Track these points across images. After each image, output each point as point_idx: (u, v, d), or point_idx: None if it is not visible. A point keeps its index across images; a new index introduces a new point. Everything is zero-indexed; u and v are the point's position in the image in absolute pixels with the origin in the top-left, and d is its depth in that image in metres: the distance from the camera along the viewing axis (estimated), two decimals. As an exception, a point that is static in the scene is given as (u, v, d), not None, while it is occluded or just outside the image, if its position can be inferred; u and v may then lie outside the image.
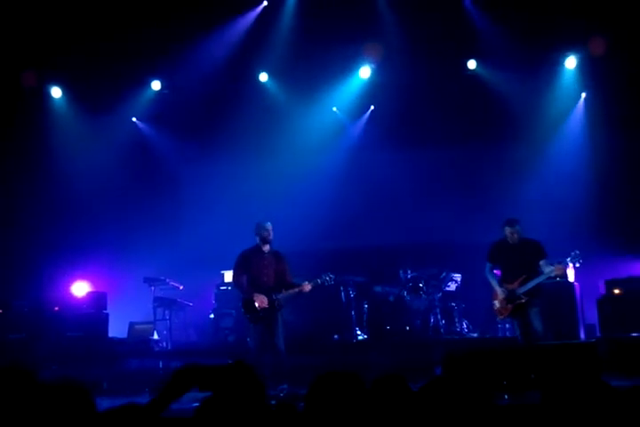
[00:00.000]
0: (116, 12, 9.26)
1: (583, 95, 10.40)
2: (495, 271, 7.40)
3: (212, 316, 9.75)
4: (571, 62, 10.03)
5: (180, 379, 2.65)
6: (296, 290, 7.14)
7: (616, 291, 8.53)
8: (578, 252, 6.94)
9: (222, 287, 9.91)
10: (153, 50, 9.67)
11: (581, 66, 10.01)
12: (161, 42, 9.49)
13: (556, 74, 10.25)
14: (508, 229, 7.10)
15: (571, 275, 8.78)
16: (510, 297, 6.98)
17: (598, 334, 8.44)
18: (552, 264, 6.94)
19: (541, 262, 6.98)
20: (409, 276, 9.69)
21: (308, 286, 7.12)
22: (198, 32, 9.68)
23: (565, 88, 10.31)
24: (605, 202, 9.59)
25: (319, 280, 7.26)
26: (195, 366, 2.66)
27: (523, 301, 6.92)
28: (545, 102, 10.23)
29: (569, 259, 6.96)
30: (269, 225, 7.23)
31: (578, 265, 7.08)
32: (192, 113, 10.58)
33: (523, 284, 6.94)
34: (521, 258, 7.05)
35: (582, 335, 8.52)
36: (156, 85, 10.58)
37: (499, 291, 7.07)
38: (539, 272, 6.98)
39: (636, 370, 7.05)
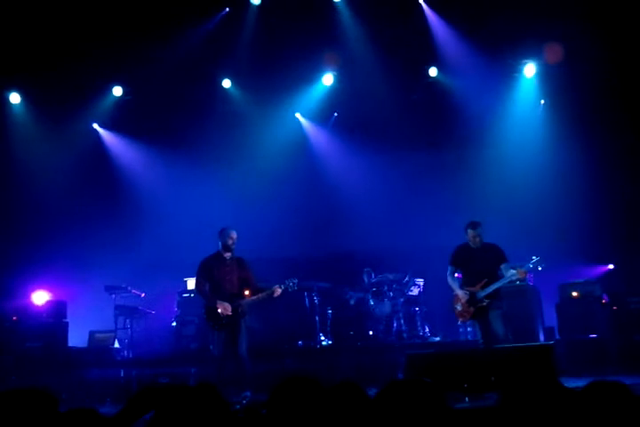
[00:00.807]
0: (77, 16, 9.16)
1: (542, 102, 10.63)
2: (457, 275, 7.48)
3: (174, 324, 9.66)
4: (530, 70, 10.24)
5: (139, 401, 2.64)
6: (265, 294, 7.10)
7: (574, 294, 8.69)
8: (538, 257, 7.05)
9: (185, 295, 9.83)
10: (115, 55, 9.57)
11: (540, 74, 10.22)
12: (123, 47, 9.40)
13: (515, 81, 10.44)
14: (470, 232, 7.19)
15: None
16: (472, 300, 7.06)
17: (557, 337, 8.60)
18: (514, 268, 7.04)
19: (502, 266, 7.08)
20: (372, 281, 9.75)
21: (279, 290, 7.09)
22: (161, 38, 9.61)
23: (525, 95, 10.52)
24: (564, 207, 9.77)
25: (283, 286, 7.23)
26: (156, 388, 2.66)
27: (484, 304, 7.01)
28: (505, 109, 10.41)
29: (530, 263, 7.06)
30: (235, 233, 7.19)
31: (540, 269, 7.20)
32: (154, 119, 10.51)
33: (484, 287, 7.03)
34: (482, 262, 7.13)
35: (542, 338, 8.67)
36: (117, 91, 10.47)
37: (460, 294, 7.14)
38: (500, 276, 7.09)
39: (594, 371, 7.21)
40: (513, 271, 6.99)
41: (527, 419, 2.67)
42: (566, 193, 9.82)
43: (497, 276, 7.10)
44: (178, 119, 10.45)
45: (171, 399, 2.57)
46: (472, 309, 7.07)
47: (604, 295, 8.60)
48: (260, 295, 7.10)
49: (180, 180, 10.60)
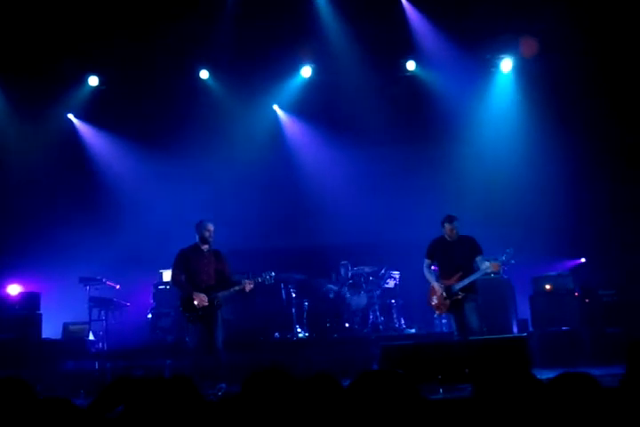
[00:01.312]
0: (53, 5, 9.01)
1: (518, 97, 10.72)
2: (433, 268, 7.54)
3: (149, 316, 9.62)
4: (506, 65, 10.31)
5: (112, 392, 2.63)
6: (236, 288, 7.10)
7: (547, 287, 8.81)
8: (511, 250, 7.14)
9: (160, 287, 9.79)
10: (91, 45, 9.45)
11: (517, 68, 10.30)
12: (99, 36, 9.28)
13: (492, 76, 10.51)
14: (447, 226, 7.26)
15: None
16: (448, 293, 7.13)
17: (530, 329, 8.72)
18: (488, 261, 7.12)
19: (477, 259, 7.15)
20: (349, 273, 9.80)
21: (249, 285, 7.08)
22: (138, 28, 9.49)
23: (502, 90, 10.60)
24: (538, 202, 9.88)
25: (259, 279, 7.23)
26: (129, 379, 2.65)
27: (460, 296, 7.08)
28: (483, 104, 10.48)
29: (504, 256, 7.15)
30: (212, 226, 7.16)
31: (513, 262, 7.27)
32: (130, 110, 10.38)
33: (460, 280, 7.10)
34: (458, 255, 7.21)
35: (515, 330, 8.78)
36: (93, 81, 10.33)
37: (436, 286, 7.21)
38: (475, 269, 7.16)
39: (566, 363, 7.32)
40: (487, 264, 7.07)
41: (499, 410, 2.71)
42: (541, 188, 9.94)
43: (472, 268, 7.17)
44: (154, 110, 10.34)
45: (144, 391, 2.56)
46: (448, 301, 7.15)
47: (577, 288, 8.73)
48: (230, 289, 7.08)
49: (156, 171, 10.51)
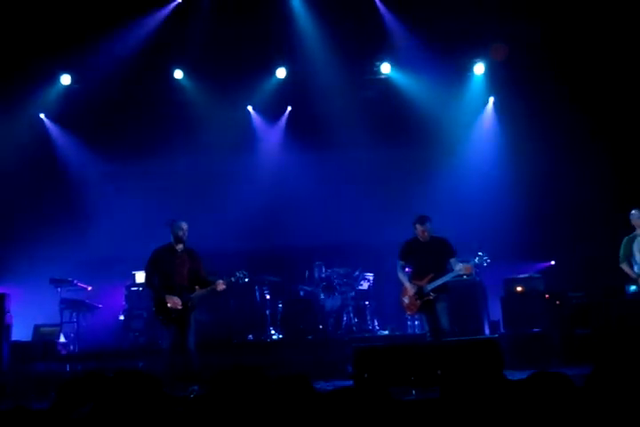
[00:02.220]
0: (24, 2, 8.89)
1: (491, 99, 10.86)
2: (407, 269, 7.59)
3: (121, 317, 9.54)
4: (479, 68, 10.43)
5: (67, 393, 2.61)
6: (209, 289, 7.07)
7: (518, 289, 8.92)
8: (484, 253, 7.21)
9: (133, 288, 9.71)
10: (64, 43, 9.33)
11: (489, 71, 10.41)
12: (72, 35, 9.17)
13: (465, 79, 10.62)
14: (418, 227, 7.32)
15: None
16: (419, 294, 7.19)
17: (502, 330, 8.81)
18: (461, 263, 7.19)
19: (451, 261, 7.23)
20: (323, 275, 9.81)
21: (221, 285, 7.05)
22: (112, 26, 9.41)
23: (475, 93, 10.71)
24: (510, 205, 10.01)
25: (233, 278, 7.21)
26: (82, 378, 2.63)
27: (431, 297, 7.14)
28: (455, 106, 10.57)
29: (476, 259, 7.22)
30: (185, 225, 7.12)
31: (485, 264, 7.35)
32: (102, 109, 10.27)
33: (431, 281, 7.17)
34: (430, 256, 7.27)
35: (487, 331, 8.88)
36: (65, 80, 10.20)
37: (408, 287, 7.27)
38: (447, 270, 7.22)
39: (537, 364, 7.41)
40: (460, 266, 7.14)
41: (470, 411, 2.74)
42: (513, 191, 10.07)
43: (445, 270, 7.24)
44: (127, 109, 10.26)
45: (109, 390, 2.55)
46: (419, 302, 7.21)
47: (547, 290, 8.85)
48: (204, 289, 7.05)
49: (128, 171, 10.44)
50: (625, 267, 7.09)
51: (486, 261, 7.18)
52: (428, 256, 7.27)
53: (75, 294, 9.43)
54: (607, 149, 9.73)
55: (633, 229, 7.20)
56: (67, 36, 9.19)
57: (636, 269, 7.03)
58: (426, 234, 7.31)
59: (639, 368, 2.68)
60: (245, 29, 9.52)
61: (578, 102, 9.73)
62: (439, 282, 7.16)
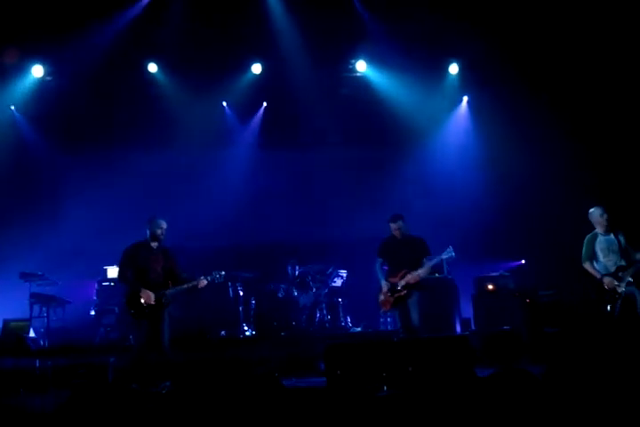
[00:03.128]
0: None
1: (465, 98, 10.97)
2: (385, 267, 7.68)
3: (92, 313, 9.45)
4: (453, 68, 10.52)
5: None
6: (189, 285, 7.02)
7: (489, 287, 9.03)
8: (451, 248, 7.29)
9: (105, 283, 9.62)
10: (36, 33, 9.19)
11: (463, 71, 10.51)
12: (45, 25, 9.04)
13: (440, 78, 10.70)
14: (391, 225, 7.42)
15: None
16: (392, 290, 7.28)
17: (473, 328, 8.91)
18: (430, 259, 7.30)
19: (425, 260, 7.30)
20: (296, 272, 9.82)
21: (203, 282, 7.01)
22: (87, 18, 9.29)
23: (449, 92, 10.80)
24: (481, 205, 10.12)
25: (210, 277, 7.18)
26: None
27: (402, 293, 7.23)
28: (430, 105, 10.64)
29: (443, 254, 7.29)
30: (165, 224, 7.03)
31: (453, 256, 7.40)
32: (76, 101, 10.15)
33: (403, 277, 7.25)
34: (404, 253, 7.34)
35: (458, 329, 8.97)
36: (37, 71, 10.03)
37: (383, 284, 7.37)
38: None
39: (507, 361, 7.51)
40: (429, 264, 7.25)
41: (440, 405, 2.78)
42: (484, 190, 10.18)
43: (418, 267, 7.31)
44: (101, 103, 10.15)
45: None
46: (392, 298, 7.30)
47: (517, 289, 8.97)
48: (184, 286, 7.02)
49: (101, 166, 10.33)
50: (588, 267, 7.13)
51: (451, 255, 7.24)
52: (402, 254, 7.35)
53: (45, 288, 9.32)
54: (577, 149, 9.89)
55: (594, 227, 7.29)
56: (40, 27, 9.05)
57: (599, 268, 7.12)
58: (399, 232, 7.39)
59: (596, 365, 2.75)
60: (221, 24, 9.46)
61: (550, 103, 9.89)
62: (411, 277, 7.21)
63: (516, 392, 2.82)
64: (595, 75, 9.66)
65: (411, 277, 7.21)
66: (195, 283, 6.99)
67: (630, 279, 6.97)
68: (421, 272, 7.24)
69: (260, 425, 2.62)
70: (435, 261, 7.33)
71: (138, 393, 5.62)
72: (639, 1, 8.76)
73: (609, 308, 6.93)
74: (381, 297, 7.42)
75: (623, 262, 7.04)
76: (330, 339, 8.06)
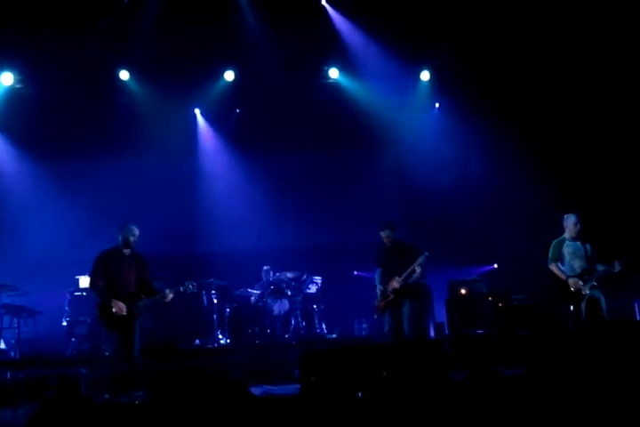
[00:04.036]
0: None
1: (437, 105, 11.08)
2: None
3: (64, 323, 9.32)
4: (425, 75, 10.62)
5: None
6: (158, 297, 6.97)
7: (462, 291, 9.10)
8: (426, 253, 7.37)
9: (77, 293, 9.49)
10: (5, 40, 9.08)
11: (434, 78, 10.61)
12: (16, 33, 8.93)
13: (412, 85, 10.79)
14: (380, 233, 7.54)
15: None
16: (384, 295, 7.39)
17: (447, 332, 8.97)
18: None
19: (416, 267, 7.37)
20: (271, 279, 9.80)
21: (169, 296, 6.94)
22: (58, 26, 9.19)
23: (421, 98, 10.90)
24: (455, 209, 10.21)
25: (182, 288, 7.12)
26: None
27: (390, 298, 7.35)
28: (402, 111, 10.71)
29: (420, 259, 7.36)
30: (137, 230, 6.96)
31: (424, 260, 7.47)
32: (46, 110, 10.04)
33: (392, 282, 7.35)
34: (394, 260, 7.45)
35: (432, 333, 9.03)
36: (7, 79, 9.90)
37: (377, 290, 7.50)
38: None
39: (481, 365, 7.56)
40: (419, 270, 7.35)
41: (414, 409, 2.79)
42: (457, 196, 10.28)
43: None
44: (70, 112, 10.04)
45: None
46: (383, 303, 7.41)
47: (490, 293, 9.04)
48: (153, 298, 6.96)
49: (70, 173, 10.22)
50: (554, 268, 7.23)
51: (423, 260, 7.32)
52: (393, 260, 7.47)
53: (15, 299, 9.17)
54: (546, 155, 10.04)
55: (563, 231, 7.39)
56: (10, 36, 8.95)
57: (565, 270, 7.22)
58: (388, 239, 7.50)
59: (570, 369, 2.78)
60: (194, 32, 9.43)
61: (520, 107, 10.03)
62: (396, 283, 7.32)
63: (489, 395, 2.84)
64: (559, 89, 9.85)
65: (395, 282, 7.31)
66: (162, 295, 6.93)
67: (595, 283, 7.08)
68: (404, 277, 7.31)
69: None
70: (412, 267, 7.36)
71: (110, 404, 5.58)
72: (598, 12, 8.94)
73: (572, 308, 7.04)
74: (376, 303, 7.57)
75: (588, 267, 7.15)
76: (305, 346, 8.05)
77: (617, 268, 7.02)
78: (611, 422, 2.79)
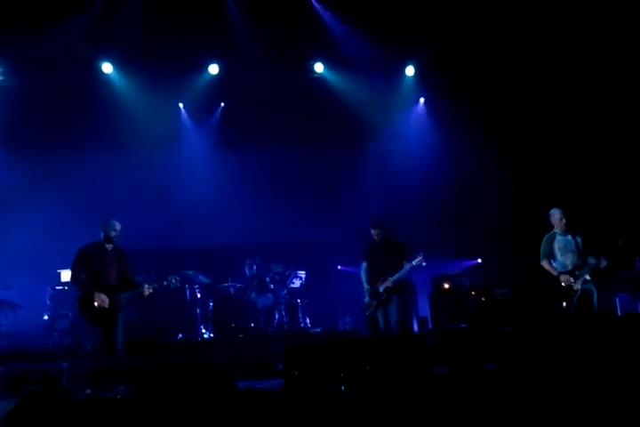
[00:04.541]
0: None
1: (422, 100, 11.08)
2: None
3: (45, 317, 9.23)
4: (410, 70, 10.62)
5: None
6: (135, 291, 6.94)
7: (446, 286, 9.13)
8: (421, 254, 7.39)
9: (58, 287, 9.40)
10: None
11: (419, 73, 10.62)
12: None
13: (397, 80, 10.78)
14: (371, 231, 7.58)
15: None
16: (374, 294, 7.42)
17: (430, 326, 9.00)
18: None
19: (405, 262, 7.40)
20: (255, 273, 9.77)
21: (147, 290, 6.91)
22: (41, 19, 9.07)
23: (406, 93, 10.90)
24: (438, 205, 10.24)
25: (165, 282, 7.12)
26: None
27: (383, 297, 7.39)
28: (387, 106, 10.72)
29: (414, 261, 7.38)
30: (119, 225, 6.95)
31: (424, 264, 7.51)
32: (28, 103, 9.91)
33: (383, 282, 7.38)
34: (384, 258, 7.49)
35: (415, 328, 9.06)
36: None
37: (365, 288, 7.53)
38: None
39: (464, 359, 7.60)
40: (407, 266, 7.37)
41: (397, 403, 2.79)
42: (441, 191, 10.31)
43: (397, 270, 7.41)
44: (53, 104, 9.92)
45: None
46: (374, 303, 7.46)
47: (473, 287, 9.09)
48: (131, 292, 6.92)
49: (52, 167, 10.10)
50: (546, 264, 7.29)
51: (423, 261, 7.35)
52: (382, 258, 7.49)
53: (-4, 292, 9.08)
54: (531, 151, 10.09)
55: (552, 227, 7.44)
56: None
57: (557, 266, 7.26)
58: (379, 237, 7.51)
59: (551, 363, 2.79)
60: (177, 25, 9.35)
61: (503, 102, 10.07)
62: (388, 282, 7.36)
63: (471, 389, 2.85)
64: (539, 89, 9.90)
65: (389, 283, 7.35)
66: (139, 291, 6.90)
67: (588, 277, 7.14)
68: (397, 277, 7.36)
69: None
70: (406, 268, 7.38)
71: (92, 399, 5.54)
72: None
73: (564, 304, 7.09)
74: (366, 300, 7.59)
75: (580, 262, 7.20)
76: (289, 340, 8.04)
77: (603, 263, 7.09)
78: (594, 416, 2.81)
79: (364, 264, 7.66)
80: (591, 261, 7.16)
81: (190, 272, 9.37)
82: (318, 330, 9.51)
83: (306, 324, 9.64)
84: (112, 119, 10.04)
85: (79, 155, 10.02)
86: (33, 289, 9.60)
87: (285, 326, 9.46)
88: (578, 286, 7.08)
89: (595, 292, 7.14)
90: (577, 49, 9.43)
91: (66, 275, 9.28)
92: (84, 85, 10.08)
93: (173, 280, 7.14)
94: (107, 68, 10.12)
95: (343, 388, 5.90)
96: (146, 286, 6.90)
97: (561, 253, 7.28)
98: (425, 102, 11.10)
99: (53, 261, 9.23)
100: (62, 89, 9.92)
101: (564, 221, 7.31)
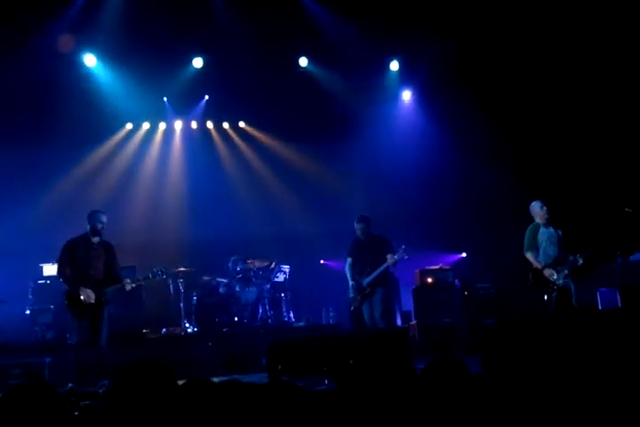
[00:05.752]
0: None
1: (407, 94, 11.08)
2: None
3: (27, 311, 9.17)
4: (394, 65, 10.63)
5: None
6: (119, 286, 6.93)
7: (429, 280, 9.17)
8: (402, 248, 7.48)
9: (40, 281, 9.32)
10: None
11: (403, 68, 10.62)
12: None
13: (382, 74, 10.78)
14: (355, 226, 7.73)
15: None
16: (359, 289, 7.54)
17: (413, 320, 9.04)
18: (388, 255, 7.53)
19: (388, 256, 7.50)
20: (238, 267, 9.75)
21: (128, 285, 6.92)
22: (23, 10, 8.95)
23: (391, 88, 10.90)
24: (424, 198, 10.27)
25: (150, 275, 7.13)
26: None
27: (367, 291, 7.53)
28: (372, 101, 10.71)
29: (396, 255, 7.47)
30: (105, 217, 6.97)
31: (407, 257, 7.59)
32: (7, 96, 9.77)
33: (367, 276, 7.52)
34: (369, 253, 7.64)
35: (399, 322, 9.10)
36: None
37: (350, 284, 7.67)
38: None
39: (446, 353, 7.66)
40: (389, 257, 7.52)
41: (378, 397, 2.81)
42: (426, 185, 10.33)
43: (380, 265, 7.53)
44: (32, 98, 9.80)
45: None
46: (359, 297, 7.61)
47: (457, 282, 9.14)
48: (115, 286, 6.90)
49: (34, 160, 10.00)
50: (530, 256, 7.28)
51: (406, 254, 7.45)
52: (367, 253, 7.64)
53: (-24, 287, 8.99)
54: (515, 146, 10.13)
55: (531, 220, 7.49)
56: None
57: (541, 258, 7.30)
58: (361, 233, 7.65)
59: (532, 358, 2.82)
60: (162, 17, 9.28)
61: (487, 97, 10.09)
62: (372, 276, 7.52)
63: (450, 383, 2.87)
64: (529, 83, 9.92)
65: (372, 276, 7.52)
66: (119, 286, 6.88)
67: (567, 272, 7.19)
68: (380, 270, 7.49)
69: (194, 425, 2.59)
70: (388, 262, 7.49)
71: (75, 394, 5.52)
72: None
73: (545, 298, 7.16)
74: (350, 295, 7.71)
75: (562, 255, 7.26)
76: (273, 334, 8.05)
77: (579, 261, 7.16)
78: (575, 410, 2.84)
79: (350, 260, 7.77)
80: (570, 257, 7.23)
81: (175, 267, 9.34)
82: (302, 324, 9.53)
83: (290, 318, 9.65)
84: (95, 113, 9.95)
85: (62, 148, 9.91)
86: (15, 283, 9.52)
87: (269, 321, 9.47)
88: (560, 281, 7.14)
89: (573, 287, 7.21)
90: (569, 40, 9.42)
91: (48, 269, 9.22)
92: (67, 78, 9.98)
93: (159, 272, 7.14)
94: (89, 61, 10.01)
95: (326, 381, 5.96)
96: (127, 280, 6.90)
97: (545, 245, 7.31)
98: (411, 96, 11.10)
99: (35, 256, 9.17)
100: (44, 82, 9.82)
101: (545, 209, 7.32)
